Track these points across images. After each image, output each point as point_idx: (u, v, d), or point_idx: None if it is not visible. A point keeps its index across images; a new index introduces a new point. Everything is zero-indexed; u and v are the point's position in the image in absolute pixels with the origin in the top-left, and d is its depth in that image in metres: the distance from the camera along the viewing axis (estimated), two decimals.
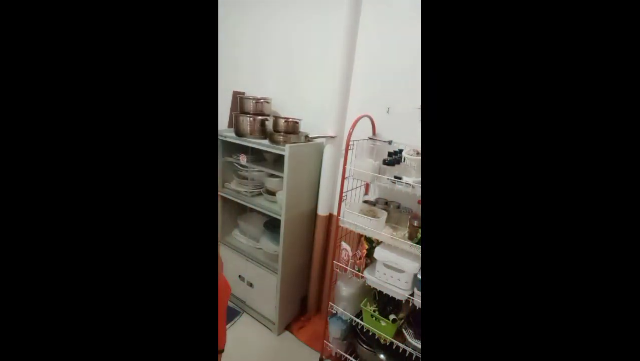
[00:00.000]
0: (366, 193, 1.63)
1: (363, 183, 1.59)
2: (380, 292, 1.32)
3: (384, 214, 1.32)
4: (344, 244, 1.44)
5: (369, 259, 1.38)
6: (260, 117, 1.64)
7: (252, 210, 1.87)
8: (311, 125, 1.71)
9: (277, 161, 1.77)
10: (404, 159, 1.27)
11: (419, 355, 1.22)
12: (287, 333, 1.82)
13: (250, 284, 1.85)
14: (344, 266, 1.42)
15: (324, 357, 1.65)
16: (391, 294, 1.27)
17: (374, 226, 1.28)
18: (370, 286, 1.34)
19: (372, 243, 1.38)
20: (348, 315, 1.46)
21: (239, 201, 1.77)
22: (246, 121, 1.62)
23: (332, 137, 1.59)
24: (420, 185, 1.13)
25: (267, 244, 1.78)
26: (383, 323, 1.32)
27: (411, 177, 1.18)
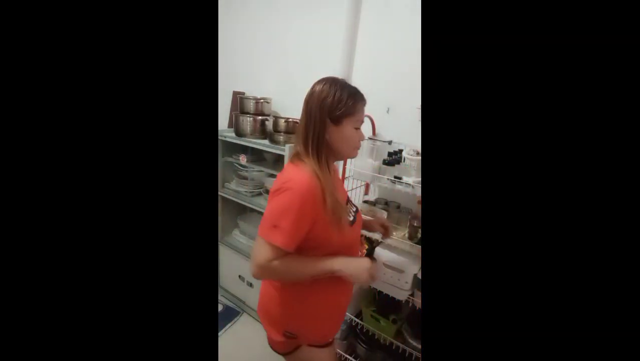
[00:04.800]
0: (366, 193, 1.63)
1: (363, 183, 1.59)
2: (380, 292, 1.32)
3: (384, 214, 1.32)
4: None
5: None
6: (260, 117, 1.64)
7: (252, 210, 1.87)
8: None
9: (277, 161, 1.77)
10: (404, 159, 1.27)
11: (419, 355, 1.22)
12: None
13: (250, 285, 1.85)
14: None
15: None
16: (391, 294, 1.26)
17: None
18: (370, 286, 1.34)
19: (372, 243, 1.38)
20: (348, 314, 1.46)
21: (239, 201, 1.77)
22: (246, 121, 1.62)
23: None
24: (420, 185, 1.13)
25: None
26: (383, 323, 1.32)
27: (411, 178, 1.18)
